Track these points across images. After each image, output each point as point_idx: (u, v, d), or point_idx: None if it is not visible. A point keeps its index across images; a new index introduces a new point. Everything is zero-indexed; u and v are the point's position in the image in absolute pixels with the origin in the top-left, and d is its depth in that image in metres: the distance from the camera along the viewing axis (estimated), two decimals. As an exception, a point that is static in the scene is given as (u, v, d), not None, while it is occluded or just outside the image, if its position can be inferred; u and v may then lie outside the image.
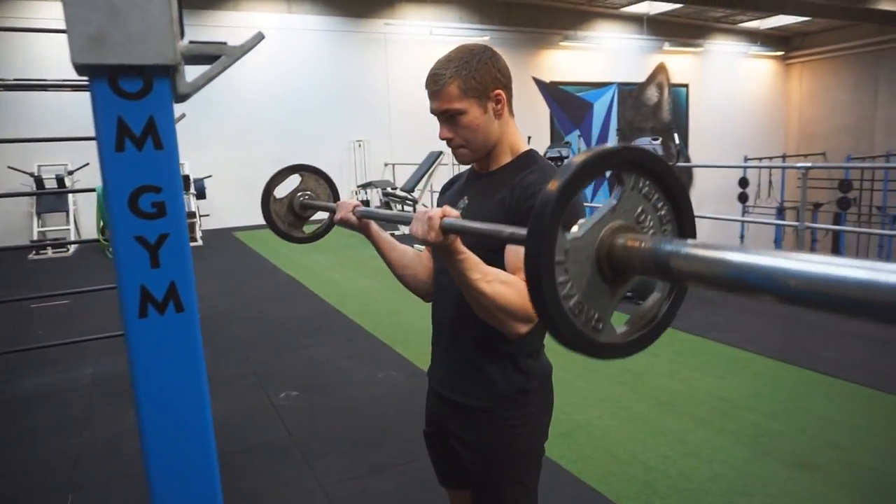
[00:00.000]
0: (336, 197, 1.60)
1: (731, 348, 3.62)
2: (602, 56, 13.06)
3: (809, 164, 4.52)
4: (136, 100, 0.49)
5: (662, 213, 0.58)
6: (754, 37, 14.64)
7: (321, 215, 1.56)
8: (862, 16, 12.03)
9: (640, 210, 0.57)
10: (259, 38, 0.53)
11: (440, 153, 8.74)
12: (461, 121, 1.19)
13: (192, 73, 0.59)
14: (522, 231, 0.71)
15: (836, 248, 11.31)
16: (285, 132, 10.28)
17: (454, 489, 1.45)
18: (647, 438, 2.60)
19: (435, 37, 11.28)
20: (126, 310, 0.51)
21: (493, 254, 1.17)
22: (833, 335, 3.88)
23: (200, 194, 8.65)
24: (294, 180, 1.57)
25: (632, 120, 13.47)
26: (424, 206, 9.81)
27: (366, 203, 10.71)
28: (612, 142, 13.09)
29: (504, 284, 1.06)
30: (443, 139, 1.23)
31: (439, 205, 1.42)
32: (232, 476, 2.34)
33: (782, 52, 15.23)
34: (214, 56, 0.53)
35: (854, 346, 3.68)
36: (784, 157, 14.73)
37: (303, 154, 10.27)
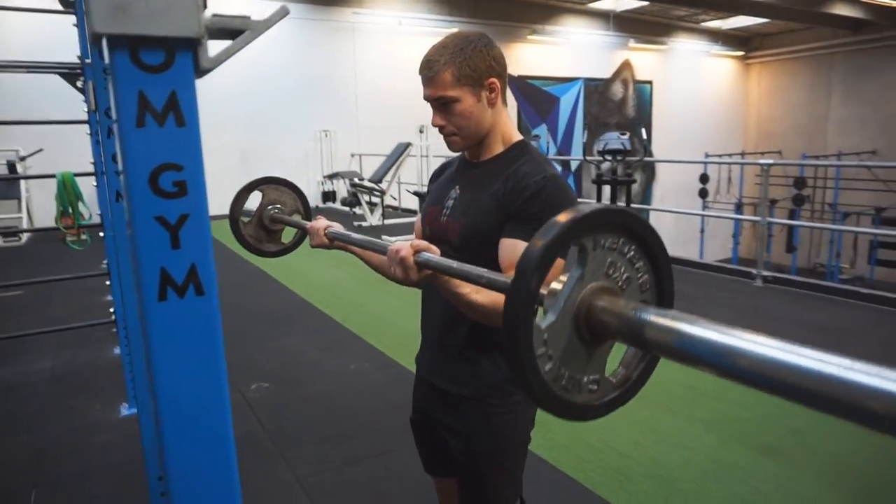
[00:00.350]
0: (304, 202, 1.56)
1: (697, 339, 3.72)
2: (569, 51, 13.19)
3: (771, 161, 4.66)
4: (157, 73, 0.47)
5: (631, 254, 0.57)
6: (716, 36, 15.01)
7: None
8: (817, 19, 12.46)
9: (608, 262, 0.55)
10: (284, 12, 0.52)
11: (408, 144, 8.70)
12: (454, 108, 1.18)
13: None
14: (501, 279, 0.71)
15: (791, 243, 11.73)
16: (250, 121, 10.07)
17: (440, 477, 1.45)
18: (620, 426, 2.65)
19: (403, 27, 11.20)
20: (145, 293, 0.49)
21: (488, 247, 1.18)
22: (791, 326, 4.03)
23: (162, 183, 8.41)
24: (257, 194, 1.54)
25: (597, 115, 13.68)
26: (393, 197, 9.75)
27: (332, 194, 10.60)
28: (580, 136, 13.26)
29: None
30: (435, 126, 1.23)
31: (428, 192, 1.41)
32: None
33: (742, 53, 15.67)
34: (238, 31, 0.52)
35: (810, 338, 3.82)
36: (743, 154, 15.19)
37: (267, 143, 10.15)
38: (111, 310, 3.31)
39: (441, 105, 1.19)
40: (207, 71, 0.50)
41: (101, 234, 3.13)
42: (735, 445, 2.49)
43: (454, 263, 0.83)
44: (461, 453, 1.29)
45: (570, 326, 0.53)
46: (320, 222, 1.32)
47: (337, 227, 1.30)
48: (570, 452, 2.44)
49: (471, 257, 1.22)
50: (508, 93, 1.32)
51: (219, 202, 1.78)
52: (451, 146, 1.26)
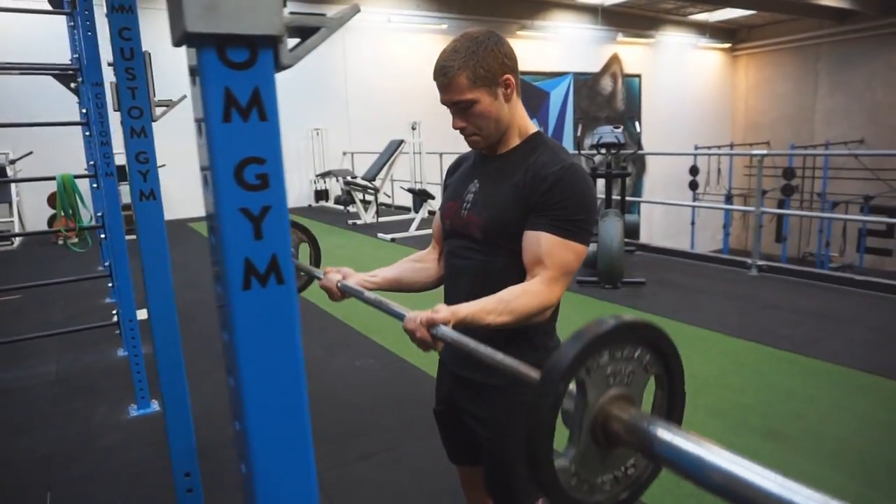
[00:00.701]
0: (308, 234, 1.57)
1: (697, 328, 3.77)
2: (558, 46, 13.22)
3: (765, 152, 4.71)
4: (242, 70, 0.49)
5: (624, 353, 0.58)
6: (703, 29, 15.10)
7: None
8: (803, 10, 12.57)
9: (609, 373, 0.57)
10: (355, 10, 0.54)
11: (401, 141, 8.70)
12: (473, 110, 1.20)
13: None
14: (527, 372, 0.69)
15: (780, 232, 11.86)
16: (241, 120, 10.01)
17: (465, 465, 1.47)
18: (626, 415, 2.69)
19: (393, 24, 11.18)
20: (230, 282, 0.51)
21: (509, 239, 1.20)
22: (788, 314, 4.09)
23: (154, 184, 8.36)
24: None
25: (587, 109, 13.74)
26: (387, 194, 9.75)
27: (324, 192, 10.59)
28: (570, 130, 13.29)
29: (515, 301, 1.10)
30: (456, 129, 1.25)
31: (445, 188, 1.43)
32: (217, 468, 2.31)
33: (729, 45, 15.78)
34: (314, 28, 0.54)
35: (807, 325, 3.89)
36: (731, 145, 15.31)
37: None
38: (114, 312, 3.30)
39: (460, 109, 1.21)
40: (287, 67, 0.52)
41: (103, 235, 3.12)
42: (740, 430, 2.54)
43: (471, 342, 0.85)
44: (487, 440, 1.32)
45: (587, 440, 0.56)
46: (331, 278, 1.31)
47: (349, 278, 1.30)
48: (579, 441, 2.48)
49: (493, 250, 1.25)
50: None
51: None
52: (473, 146, 1.28)
